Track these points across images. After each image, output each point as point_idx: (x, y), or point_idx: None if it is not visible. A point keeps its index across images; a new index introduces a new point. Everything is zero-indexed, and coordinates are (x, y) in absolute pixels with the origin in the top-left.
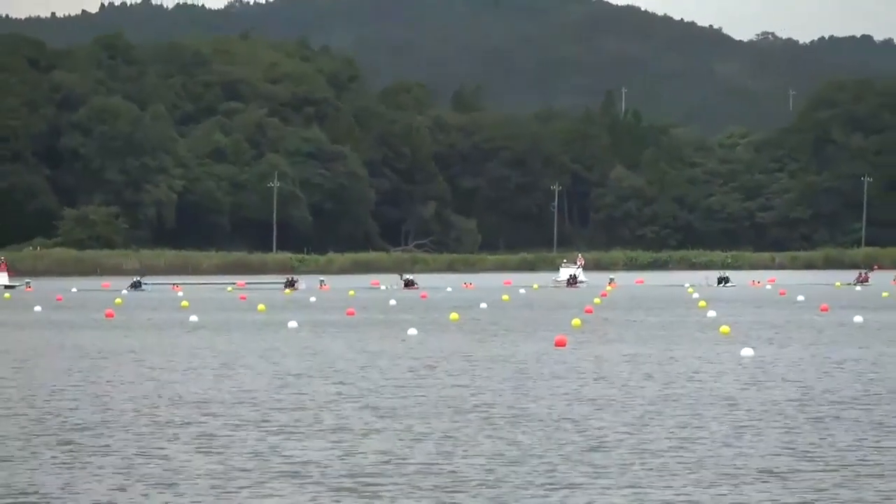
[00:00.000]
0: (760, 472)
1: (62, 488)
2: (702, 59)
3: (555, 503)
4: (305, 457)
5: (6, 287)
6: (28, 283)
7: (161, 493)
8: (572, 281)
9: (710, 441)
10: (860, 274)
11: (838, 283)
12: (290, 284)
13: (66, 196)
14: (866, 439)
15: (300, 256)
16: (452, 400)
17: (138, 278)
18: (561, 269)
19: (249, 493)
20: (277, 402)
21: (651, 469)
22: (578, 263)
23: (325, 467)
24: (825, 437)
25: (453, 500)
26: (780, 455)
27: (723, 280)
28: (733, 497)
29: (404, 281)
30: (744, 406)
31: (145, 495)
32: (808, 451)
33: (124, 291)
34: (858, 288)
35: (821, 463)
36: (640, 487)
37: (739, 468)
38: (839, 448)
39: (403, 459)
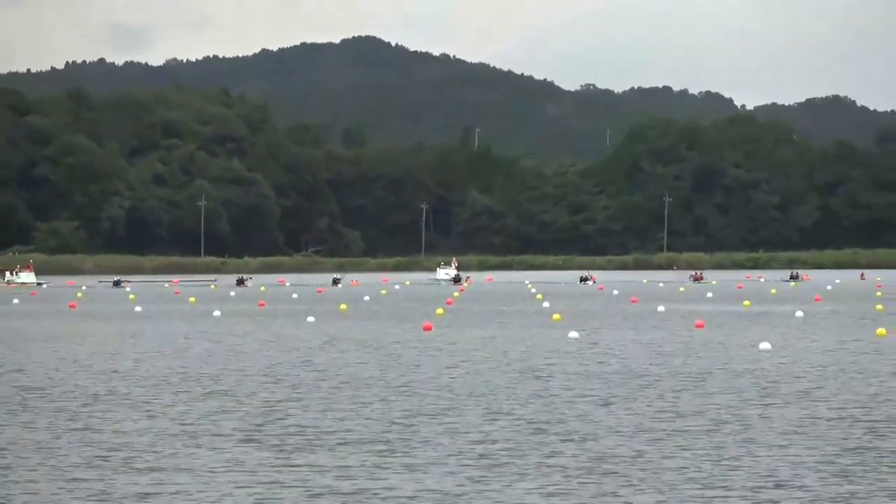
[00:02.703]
0: (581, 420)
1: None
2: (538, 104)
3: (425, 455)
4: (219, 417)
5: (38, 284)
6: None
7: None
8: (457, 279)
9: (545, 401)
10: (694, 273)
11: (645, 280)
12: (241, 282)
13: (39, 213)
14: (667, 400)
15: (223, 260)
16: (345, 371)
17: (118, 278)
18: (439, 271)
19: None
20: (205, 373)
21: (498, 425)
22: (454, 265)
23: (236, 425)
24: (635, 399)
25: (333, 452)
26: (597, 406)
27: (584, 279)
28: (560, 445)
29: (332, 280)
30: (570, 375)
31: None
32: (620, 406)
33: (84, 287)
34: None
35: (637, 418)
36: (491, 441)
37: (563, 421)
38: (651, 406)
39: (299, 418)
